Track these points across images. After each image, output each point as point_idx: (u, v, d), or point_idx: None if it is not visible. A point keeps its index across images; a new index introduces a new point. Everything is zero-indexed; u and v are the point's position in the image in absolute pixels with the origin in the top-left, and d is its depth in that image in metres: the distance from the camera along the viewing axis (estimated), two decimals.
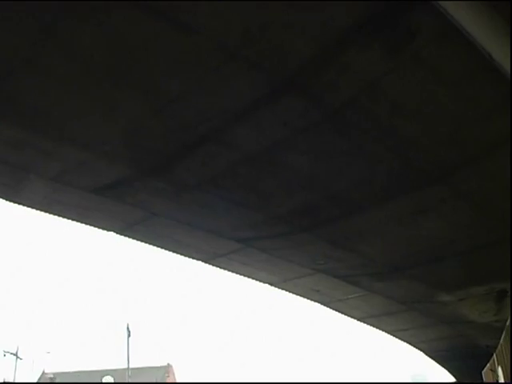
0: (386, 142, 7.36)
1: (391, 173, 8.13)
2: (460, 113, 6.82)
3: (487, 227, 10.43)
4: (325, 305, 15.51)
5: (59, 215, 9.71)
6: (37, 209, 9.40)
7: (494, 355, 18.65)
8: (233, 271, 12.89)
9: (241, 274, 13.15)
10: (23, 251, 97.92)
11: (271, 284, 13.79)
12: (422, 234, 10.64)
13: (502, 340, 16.30)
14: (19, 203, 9.08)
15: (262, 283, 13.72)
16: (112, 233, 10.48)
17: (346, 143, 7.34)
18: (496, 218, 10.03)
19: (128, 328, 36.28)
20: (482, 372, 22.50)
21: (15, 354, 43.15)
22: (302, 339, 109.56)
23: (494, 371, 18.86)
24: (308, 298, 14.98)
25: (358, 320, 17.33)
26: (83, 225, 10.15)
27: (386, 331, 19.30)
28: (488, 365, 20.70)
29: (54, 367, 57.98)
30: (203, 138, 7.12)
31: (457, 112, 6.79)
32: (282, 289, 14.12)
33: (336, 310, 16.04)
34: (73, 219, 9.89)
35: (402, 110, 6.71)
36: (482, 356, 20.51)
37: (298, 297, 14.88)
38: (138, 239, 10.98)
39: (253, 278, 13.45)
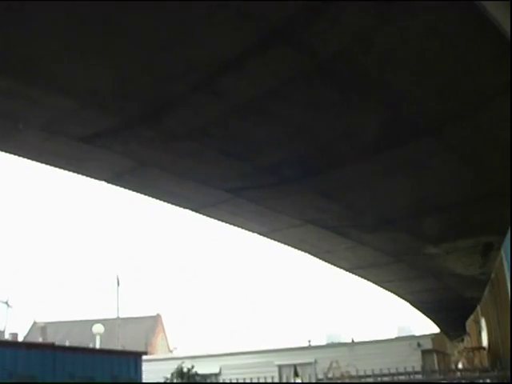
0: (375, 95, 7.34)
1: (381, 125, 8.13)
2: (451, 66, 6.79)
3: (475, 181, 10.50)
4: (313, 255, 15.64)
5: (48, 164, 9.68)
6: (26, 158, 9.36)
7: (478, 307, 18.98)
8: (222, 221, 12.95)
9: (230, 224, 13.22)
10: (13, 199, 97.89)
11: (260, 234, 13.88)
12: (410, 187, 10.72)
13: (486, 292, 16.56)
14: (8, 152, 9.04)
15: (251, 233, 13.80)
16: (103, 182, 10.48)
17: (336, 95, 7.32)
18: (484, 171, 10.09)
19: (118, 278, 36.55)
20: (466, 323, 22.95)
21: (5, 303, 43.43)
22: (290, 289, 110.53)
23: (478, 322, 19.23)
24: (297, 248, 15.11)
25: (346, 270, 17.51)
26: (74, 174, 10.16)
27: (373, 282, 19.52)
28: (472, 316, 21.09)
29: (45, 317, 58.70)
30: (192, 88, 7.07)
31: (448, 66, 6.77)
32: (272, 239, 14.22)
33: (324, 261, 16.19)
34: (62, 168, 9.85)
35: (392, 62, 6.68)
36: (467, 308, 20.87)
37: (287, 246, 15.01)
38: (128, 188, 10.98)
39: (242, 228, 13.53)
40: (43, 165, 9.65)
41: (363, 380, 12.98)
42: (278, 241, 14.50)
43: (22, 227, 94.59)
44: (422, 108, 7.70)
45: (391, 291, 21.23)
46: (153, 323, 58.15)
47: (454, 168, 9.89)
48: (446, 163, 9.59)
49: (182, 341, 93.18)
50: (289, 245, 14.91)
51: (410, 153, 9.07)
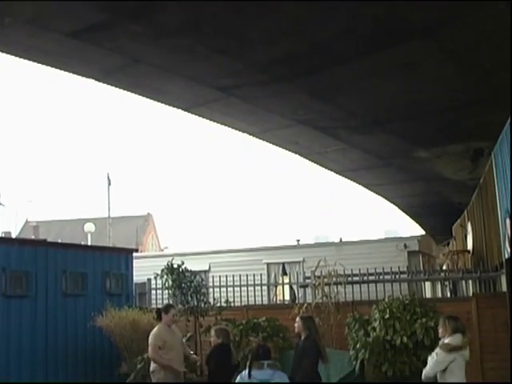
0: None
1: (376, 24, 7.97)
2: None
3: (470, 85, 10.41)
4: (304, 156, 15.66)
5: (36, 61, 9.50)
6: (12, 54, 9.16)
7: (465, 212, 19.25)
8: (213, 120, 12.89)
9: (221, 124, 13.16)
10: (4, 97, 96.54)
11: (251, 134, 13.84)
12: (404, 89, 10.63)
13: (473, 197, 16.76)
14: None
15: (242, 133, 13.76)
16: (92, 80, 10.33)
17: None
18: (479, 76, 9.99)
19: (108, 177, 36.51)
20: (452, 227, 23.33)
21: None
22: (281, 190, 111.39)
23: (464, 227, 19.55)
24: (287, 150, 15.10)
25: (336, 173, 17.59)
26: (63, 71, 10.00)
27: (362, 185, 19.67)
28: (458, 221, 21.42)
29: (36, 216, 59.29)
30: None
31: None
32: (262, 139, 14.19)
33: (314, 162, 16.23)
34: (50, 65, 9.68)
35: None
36: (454, 213, 21.15)
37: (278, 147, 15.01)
38: (118, 87, 10.84)
39: (233, 128, 13.47)
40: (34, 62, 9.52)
41: (350, 279, 13.27)
42: (269, 141, 14.47)
43: (13, 125, 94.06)
44: (420, 7, 7.51)
45: (380, 195, 21.44)
46: (143, 222, 58.97)
47: (447, 71, 9.79)
48: (440, 66, 9.47)
49: (172, 240, 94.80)
50: (279, 146, 14.88)
51: (405, 54, 8.93)
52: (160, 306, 10.20)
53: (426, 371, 7.18)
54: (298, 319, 8.72)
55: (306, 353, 8.15)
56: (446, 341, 7.09)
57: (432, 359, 7.13)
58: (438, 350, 7.12)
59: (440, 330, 7.35)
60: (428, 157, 14.83)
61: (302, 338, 8.43)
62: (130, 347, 12.04)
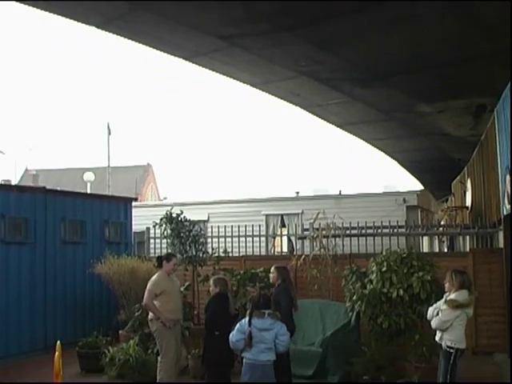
0: None
1: None
2: None
3: (474, 40, 10.29)
4: (304, 109, 15.58)
5: (37, 7, 9.38)
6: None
7: (465, 168, 19.23)
8: (214, 70, 12.76)
9: (223, 74, 13.03)
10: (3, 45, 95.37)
11: (252, 85, 13.73)
12: (407, 42, 10.50)
13: (474, 154, 16.73)
14: None
15: (243, 84, 13.65)
16: (93, 27, 10.21)
17: None
18: (480, 31, 9.86)
19: (108, 126, 36.25)
20: (452, 184, 23.36)
21: None
22: (281, 143, 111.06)
23: (463, 183, 19.57)
24: (288, 101, 15.01)
25: (337, 126, 17.53)
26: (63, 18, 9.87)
27: (363, 139, 19.62)
28: (458, 177, 21.42)
29: (36, 165, 59.20)
30: None
31: None
32: (264, 91, 14.09)
33: (315, 115, 16.15)
34: (53, 12, 9.56)
35: None
36: (454, 169, 21.14)
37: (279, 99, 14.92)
38: (119, 35, 10.72)
39: (235, 79, 13.36)
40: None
41: (348, 232, 13.32)
42: (270, 93, 14.38)
43: (13, 73, 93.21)
44: None
45: (381, 149, 21.40)
46: (143, 173, 58.90)
47: (453, 24, 9.65)
48: (445, 18, 9.34)
49: (172, 191, 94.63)
50: (280, 97, 14.80)
51: (409, 6, 8.79)
52: (161, 254, 10.19)
53: (433, 326, 7.15)
54: (272, 269, 8.89)
55: (278, 299, 8.22)
56: (452, 296, 7.04)
57: (436, 317, 7.09)
58: (443, 305, 7.08)
59: (446, 285, 7.27)
60: (430, 111, 14.75)
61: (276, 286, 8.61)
62: (129, 295, 12.14)
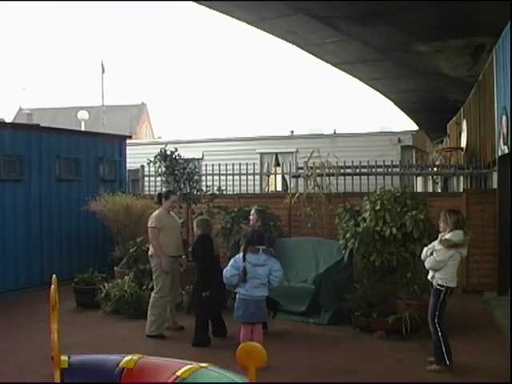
0: None
1: None
2: None
3: None
4: (301, 47, 15.39)
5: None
6: None
7: (461, 109, 19.17)
8: (210, 7, 12.56)
9: (219, 11, 12.84)
10: None
11: (249, 23, 13.54)
12: None
13: (470, 95, 16.64)
14: None
15: (239, 21, 13.45)
16: None
17: None
18: None
19: (102, 64, 35.74)
20: (447, 125, 23.30)
21: None
22: (277, 82, 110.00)
23: (459, 124, 19.52)
24: (284, 40, 14.81)
25: (333, 65, 17.35)
26: None
27: (359, 79, 19.47)
28: (454, 118, 21.37)
29: (30, 104, 58.59)
30: None
31: None
32: (260, 28, 13.89)
33: (311, 54, 15.97)
34: None
35: None
36: (449, 110, 21.07)
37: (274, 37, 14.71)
38: None
39: (231, 16, 13.17)
40: None
41: (342, 171, 13.31)
42: (266, 31, 14.17)
43: (5, 10, 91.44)
44: None
45: (377, 89, 21.27)
46: (137, 112, 58.45)
47: None
48: None
49: (166, 130, 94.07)
50: (277, 35, 14.59)
51: None
52: (161, 191, 10.21)
53: (428, 266, 7.15)
54: (252, 212, 9.27)
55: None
56: (447, 236, 7.03)
57: (430, 257, 7.08)
58: (437, 245, 7.09)
59: (441, 225, 7.24)
60: (427, 51, 14.60)
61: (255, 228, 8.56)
62: (123, 232, 12.20)
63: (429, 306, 7.12)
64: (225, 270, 7.43)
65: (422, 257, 7.36)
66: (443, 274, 7.00)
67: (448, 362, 6.88)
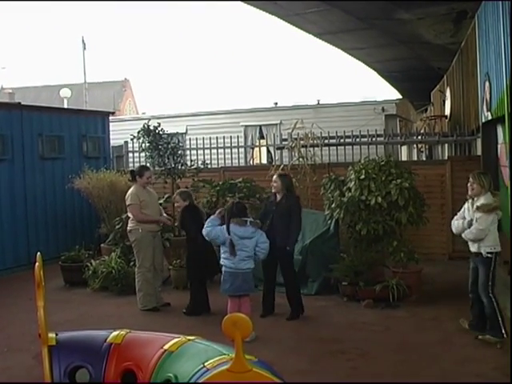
0: None
1: None
2: None
3: None
4: (282, 18, 15.25)
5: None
6: None
7: (445, 77, 19.16)
8: None
9: None
10: None
11: None
12: None
13: (453, 62, 16.61)
14: None
15: None
16: None
17: None
18: None
19: (83, 41, 35.34)
20: (431, 93, 23.30)
21: None
22: (260, 54, 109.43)
23: (443, 92, 19.53)
24: (264, 10, 14.66)
25: (314, 36, 17.24)
26: None
27: (342, 49, 19.37)
28: (437, 86, 21.36)
29: (11, 83, 57.91)
30: None
31: None
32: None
33: (293, 24, 15.84)
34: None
35: None
36: (433, 78, 21.04)
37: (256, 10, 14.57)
38: None
39: None
40: None
41: (327, 141, 13.29)
42: (246, 1, 14.03)
43: None
44: None
45: (360, 59, 21.18)
46: (120, 88, 57.99)
47: None
48: None
49: (150, 106, 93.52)
50: (256, 6, 14.45)
51: None
52: (134, 168, 10.10)
53: (471, 237, 6.81)
54: (275, 177, 8.39)
55: (294, 211, 8.12)
56: (483, 201, 6.71)
57: (469, 228, 6.78)
58: (475, 213, 6.75)
59: (474, 187, 6.81)
60: (409, 19, 14.51)
61: (279, 196, 8.27)
62: (109, 208, 12.16)
63: (479, 278, 6.82)
64: (203, 230, 7.42)
65: (457, 230, 7.08)
66: (489, 241, 6.72)
67: (505, 335, 6.58)
